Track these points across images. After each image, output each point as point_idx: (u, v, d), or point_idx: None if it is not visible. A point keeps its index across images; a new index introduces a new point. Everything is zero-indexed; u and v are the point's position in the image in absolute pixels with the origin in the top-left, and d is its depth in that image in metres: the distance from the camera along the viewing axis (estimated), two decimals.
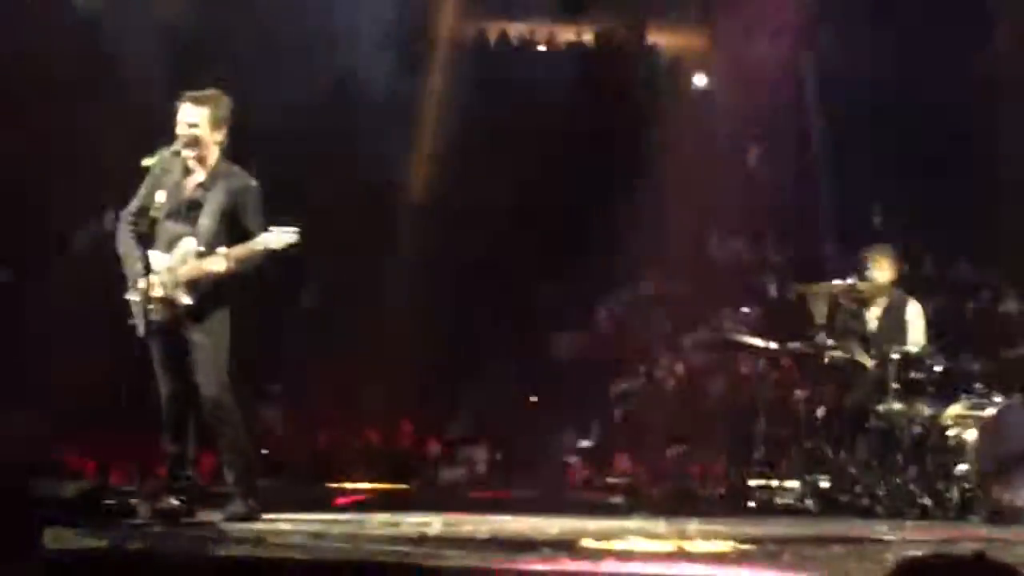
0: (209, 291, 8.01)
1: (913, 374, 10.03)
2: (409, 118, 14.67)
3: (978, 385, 9.96)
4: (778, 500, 10.34)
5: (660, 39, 15.85)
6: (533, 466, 13.77)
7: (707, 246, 14.34)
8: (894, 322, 10.46)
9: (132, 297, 8.05)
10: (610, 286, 14.34)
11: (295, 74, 13.20)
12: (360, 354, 14.03)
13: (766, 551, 6.83)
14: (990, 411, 9.74)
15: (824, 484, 10.15)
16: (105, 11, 13.21)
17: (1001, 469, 9.51)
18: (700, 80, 15.36)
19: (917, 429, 9.90)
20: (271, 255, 7.98)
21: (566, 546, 6.77)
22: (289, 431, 13.91)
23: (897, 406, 9.97)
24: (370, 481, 12.71)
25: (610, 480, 12.93)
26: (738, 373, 11.08)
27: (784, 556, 6.62)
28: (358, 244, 14.04)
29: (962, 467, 9.61)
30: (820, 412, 10.40)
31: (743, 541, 7.22)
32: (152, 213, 8.01)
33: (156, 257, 7.97)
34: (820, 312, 10.39)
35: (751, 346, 10.81)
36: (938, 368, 10.04)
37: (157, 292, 7.89)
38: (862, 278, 10.40)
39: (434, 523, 8.11)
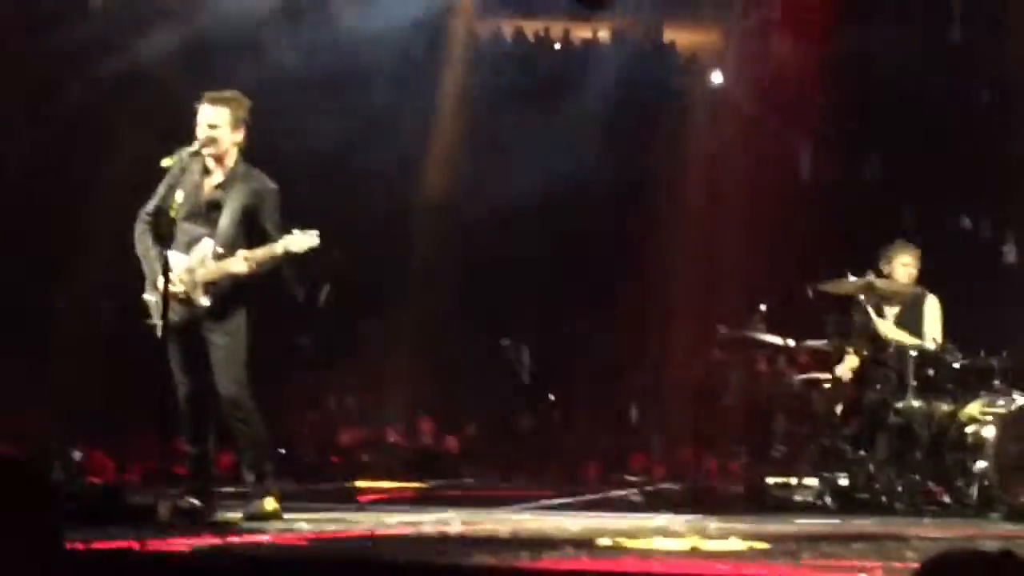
0: (227, 292, 8.03)
1: (931, 371, 10.02)
2: (424, 116, 14.68)
3: (997, 382, 9.94)
4: (796, 498, 10.34)
5: (677, 37, 15.82)
6: (549, 463, 13.81)
7: (726, 243, 14.31)
8: (911, 318, 10.44)
9: (150, 297, 8.08)
10: (626, 284, 14.33)
11: (306, 76, 13.21)
12: (379, 353, 14.08)
13: (786, 549, 6.83)
14: (1009, 408, 9.72)
15: (842, 482, 10.13)
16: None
17: (1020, 466, 9.50)
18: (716, 78, 15.33)
19: (936, 426, 9.88)
20: (291, 258, 8.00)
21: (587, 545, 6.77)
22: (309, 430, 13.96)
23: (916, 403, 9.95)
24: (390, 480, 12.74)
25: (628, 478, 12.95)
26: (756, 370, 11.06)
27: (804, 554, 6.62)
28: (375, 243, 14.07)
29: (981, 464, 9.59)
30: (838, 409, 10.39)
31: (762, 539, 7.22)
32: (171, 214, 8.03)
33: (175, 257, 7.98)
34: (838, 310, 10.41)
35: (769, 344, 10.80)
36: (956, 365, 10.02)
37: (176, 292, 7.91)
38: (881, 275, 10.38)
39: (454, 522, 8.12)
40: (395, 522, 8.20)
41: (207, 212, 8.10)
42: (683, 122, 14.84)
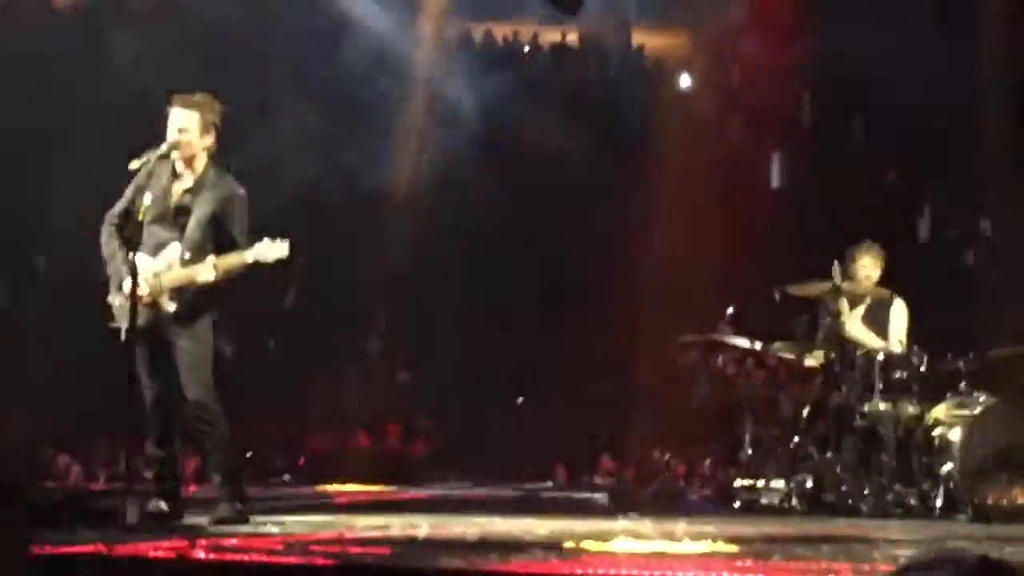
0: (194, 297, 8.00)
1: (898, 374, 10.07)
2: (394, 119, 14.68)
3: (963, 384, 9.99)
4: (764, 500, 10.37)
5: (646, 41, 15.87)
6: (519, 466, 13.82)
7: (694, 246, 14.36)
8: (877, 321, 10.49)
9: (115, 300, 8.05)
10: (595, 287, 14.36)
11: (276, 77, 13.21)
12: (349, 357, 14.07)
13: (754, 551, 6.85)
14: (975, 410, 9.78)
15: (809, 484, 10.17)
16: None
17: (985, 469, 9.55)
18: (685, 81, 15.38)
19: (902, 429, 9.93)
20: (260, 266, 7.97)
21: (555, 548, 6.78)
22: (277, 434, 13.93)
23: (882, 406, 10.00)
24: (358, 483, 12.72)
25: (596, 480, 12.98)
26: (724, 374, 11.10)
27: (773, 556, 6.64)
28: (343, 246, 14.06)
29: (947, 466, 9.64)
30: (805, 412, 10.43)
31: (731, 541, 7.24)
32: (138, 216, 8.00)
33: (141, 261, 7.95)
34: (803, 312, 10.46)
35: (737, 347, 10.84)
36: (922, 367, 10.07)
37: (141, 296, 7.88)
38: (846, 277, 10.42)
39: (422, 525, 8.12)
40: (363, 525, 8.20)
41: (175, 216, 8.07)
42: (651, 125, 14.88)
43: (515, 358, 14.50)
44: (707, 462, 11.21)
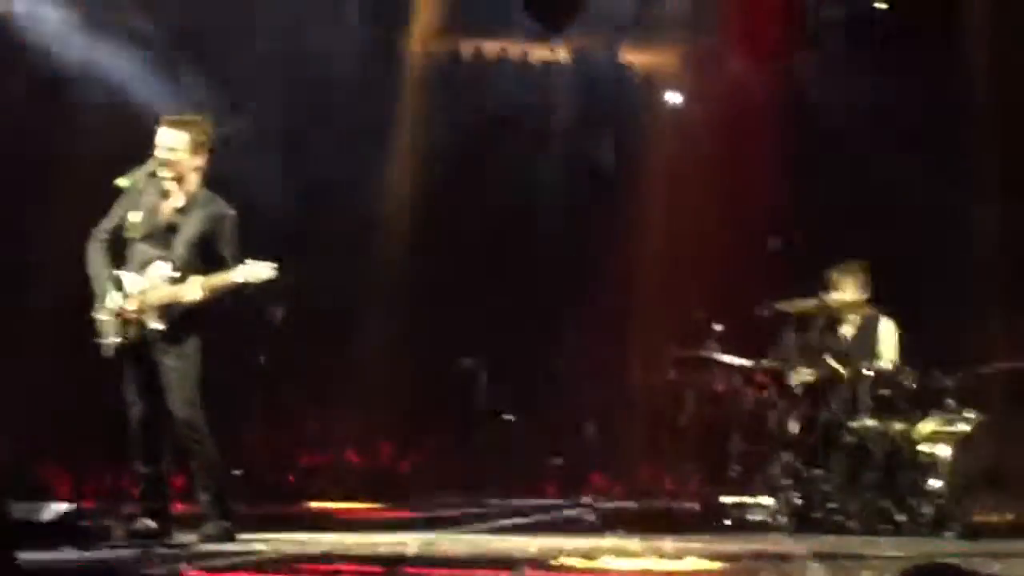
0: (180, 315, 8.00)
1: (885, 391, 10.08)
2: (382, 137, 14.69)
3: (950, 401, 10.01)
4: (751, 517, 10.38)
5: (634, 58, 15.90)
6: (508, 482, 13.81)
7: (682, 262, 14.38)
8: (866, 339, 10.51)
9: (100, 317, 8.04)
10: (583, 303, 14.37)
11: (267, 92, 13.21)
12: (338, 373, 14.04)
13: (742, 568, 6.86)
14: (963, 427, 9.80)
15: (797, 501, 10.18)
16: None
17: (973, 485, 9.57)
18: (673, 98, 15.40)
19: (890, 445, 9.95)
20: (246, 287, 7.97)
21: (544, 565, 6.77)
22: (266, 451, 13.89)
23: (870, 423, 10.02)
24: (348, 501, 12.70)
25: (585, 498, 12.96)
26: (712, 390, 11.12)
27: (761, 573, 6.65)
28: (331, 264, 14.05)
29: (935, 483, 9.66)
30: (793, 429, 10.44)
31: (718, 558, 7.24)
32: (126, 234, 8.01)
33: (128, 278, 7.96)
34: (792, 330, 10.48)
35: (725, 363, 10.85)
36: (910, 384, 10.09)
37: (127, 313, 7.87)
38: (832, 295, 10.45)
39: (411, 543, 8.11)
40: (352, 543, 8.19)
41: (164, 235, 8.08)
42: (639, 142, 14.90)
43: (504, 374, 14.49)
44: (695, 478, 11.20)
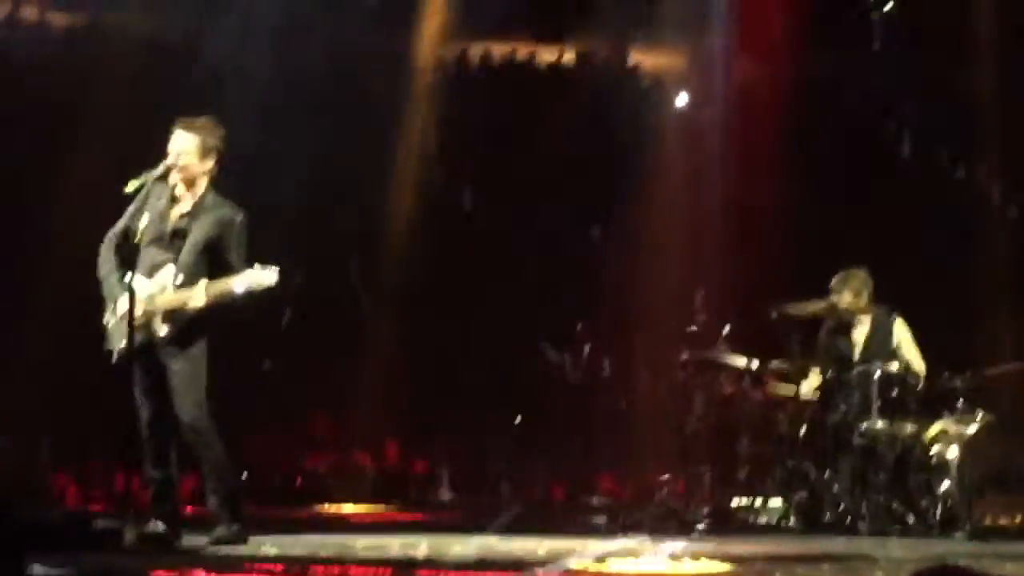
0: (187, 319, 7.99)
1: (895, 392, 10.08)
2: (391, 139, 14.70)
3: (960, 402, 10.01)
4: (762, 519, 10.37)
5: (642, 60, 15.90)
6: (518, 485, 13.81)
7: (691, 264, 14.38)
8: (883, 340, 10.51)
9: (109, 320, 8.05)
10: (592, 307, 14.36)
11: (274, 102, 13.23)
12: (346, 376, 14.05)
13: (753, 570, 6.86)
14: (972, 428, 9.79)
15: (808, 502, 10.17)
16: None
17: (983, 486, 9.57)
18: (681, 101, 15.40)
19: (900, 447, 9.94)
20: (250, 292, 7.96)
21: (555, 567, 6.77)
22: (275, 454, 13.91)
23: (880, 424, 10.02)
24: (357, 503, 12.71)
25: (595, 500, 12.96)
26: (722, 392, 11.11)
27: (774, 575, 6.65)
28: (341, 266, 14.07)
29: (945, 484, 9.65)
30: (803, 431, 10.44)
31: (729, 560, 7.24)
32: (135, 238, 8.00)
33: (137, 282, 7.96)
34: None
35: (734, 366, 10.84)
36: (919, 385, 10.09)
37: (136, 317, 7.87)
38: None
39: (421, 545, 8.11)
40: (362, 545, 8.19)
41: (172, 239, 8.06)
42: (648, 144, 14.89)
43: (514, 377, 14.48)
44: (705, 481, 11.19)
